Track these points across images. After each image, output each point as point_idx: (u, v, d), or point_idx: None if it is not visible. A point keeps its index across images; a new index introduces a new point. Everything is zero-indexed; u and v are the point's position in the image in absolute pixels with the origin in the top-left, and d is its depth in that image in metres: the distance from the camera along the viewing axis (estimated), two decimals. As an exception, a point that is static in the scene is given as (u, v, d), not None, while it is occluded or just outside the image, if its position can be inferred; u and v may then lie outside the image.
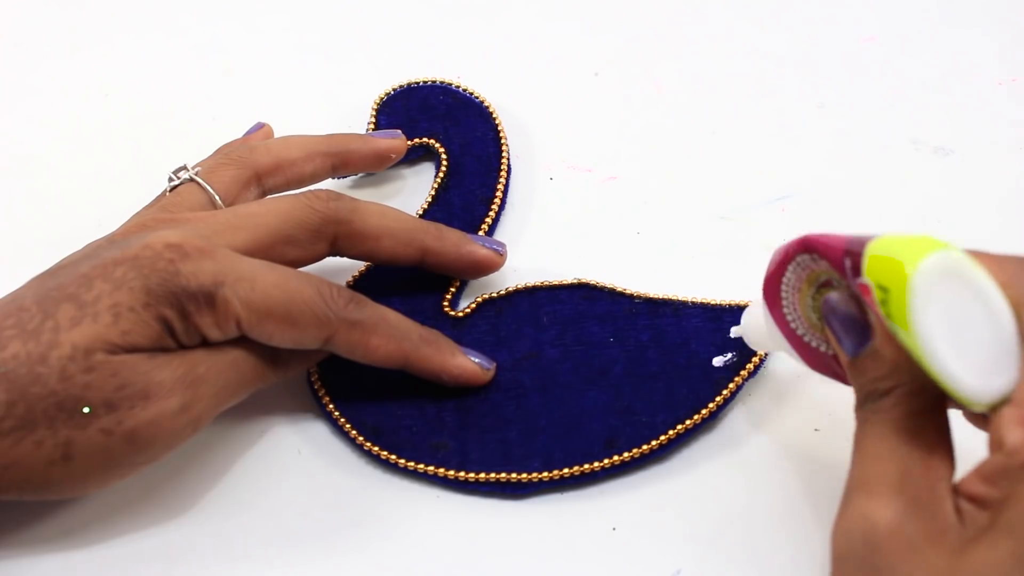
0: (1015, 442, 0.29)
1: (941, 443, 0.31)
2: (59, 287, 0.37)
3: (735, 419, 0.41)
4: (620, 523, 0.39)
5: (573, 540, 0.39)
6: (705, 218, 0.48)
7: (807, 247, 0.34)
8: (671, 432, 0.40)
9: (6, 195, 0.50)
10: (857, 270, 0.31)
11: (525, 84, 0.53)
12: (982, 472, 0.30)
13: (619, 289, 0.44)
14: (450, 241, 0.43)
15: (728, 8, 0.57)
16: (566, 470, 0.40)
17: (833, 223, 0.47)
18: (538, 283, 0.45)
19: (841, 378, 0.35)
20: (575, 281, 0.45)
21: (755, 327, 0.38)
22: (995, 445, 0.29)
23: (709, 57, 0.55)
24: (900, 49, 0.54)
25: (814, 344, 0.36)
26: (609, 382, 0.42)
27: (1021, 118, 0.51)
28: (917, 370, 0.30)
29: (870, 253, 0.31)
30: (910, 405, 0.31)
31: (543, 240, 0.48)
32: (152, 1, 0.58)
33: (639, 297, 0.44)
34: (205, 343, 0.37)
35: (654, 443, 0.40)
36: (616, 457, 0.40)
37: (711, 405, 0.41)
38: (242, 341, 0.38)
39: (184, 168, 0.43)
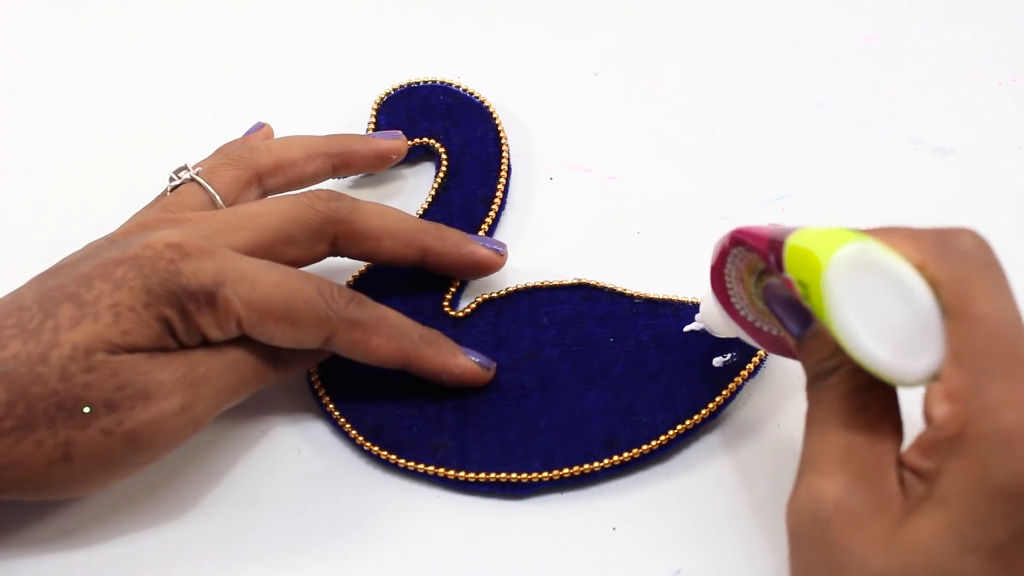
0: (941, 416, 0.29)
1: (887, 416, 0.32)
2: (59, 287, 0.37)
3: (735, 419, 0.42)
4: (620, 523, 0.39)
5: (573, 540, 0.39)
6: (705, 218, 0.48)
7: (738, 241, 0.35)
8: (671, 432, 0.40)
9: (6, 195, 0.50)
10: (780, 264, 0.32)
11: (525, 84, 0.53)
12: (919, 444, 0.31)
13: (619, 289, 0.44)
14: (450, 241, 0.43)
15: (728, 8, 0.57)
16: (566, 470, 0.40)
17: (833, 223, 0.47)
18: (538, 283, 0.45)
19: (795, 357, 0.35)
20: (575, 281, 0.45)
21: (711, 317, 0.39)
22: (927, 420, 0.30)
23: (709, 57, 0.54)
24: (900, 49, 0.54)
25: (765, 328, 0.36)
26: (609, 382, 0.42)
27: (1021, 118, 0.51)
28: None
29: (789, 247, 0.32)
30: (854, 381, 0.32)
31: (543, 240, 0.48)
32: (152, 1, 0.58)
33: (639, 297, 0.44)
34: (206, 343, 0.37)
35: (654, 443, 0.40)
36: (616, 457, 0.40)
37: (711, 405, 0.41)
38: (243, 341, 0.38)
39: (185, 168, 0.43)
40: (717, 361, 0.41)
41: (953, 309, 0.30)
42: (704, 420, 0.40)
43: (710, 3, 0.57)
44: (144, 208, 0.43)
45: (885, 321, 0.30)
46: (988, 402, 0.29)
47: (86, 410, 0.35)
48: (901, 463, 0.31)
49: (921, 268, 0.30)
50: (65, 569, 0.38)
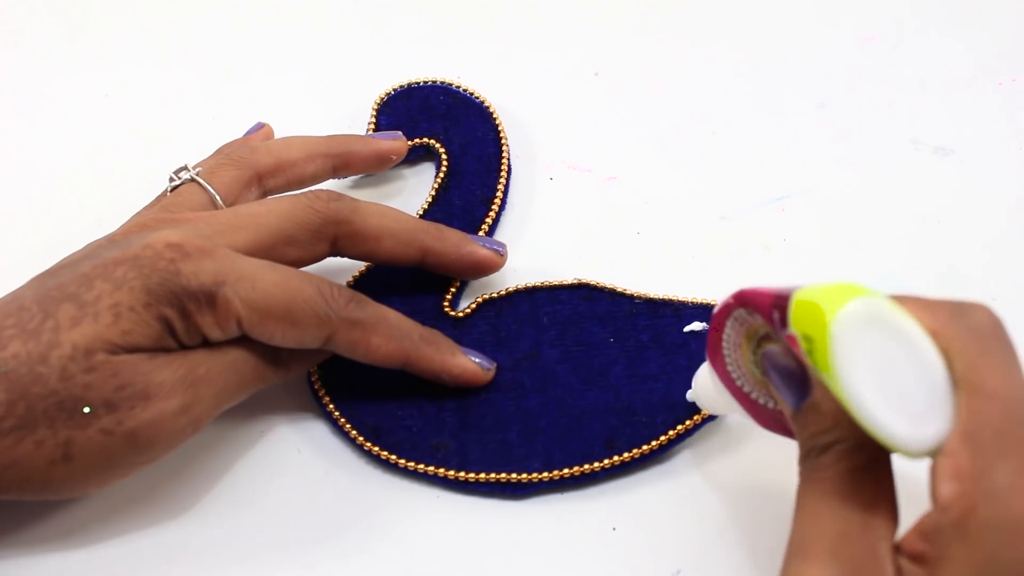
0: (947, 497, 0.28)
1: (883, 499, 0.30)
2: (59, 287, 0.37)
3: (735, 419, 0.41)
4: (620, 523, 0.39)
5: (573, 540, 0.39)
6: (705, 218, 0.48)
7: (742, 301, 0.33)
8: (671, 432, 0.40)
9: (6, 195, 0.50)
10: (784, 321, 0.31)
11: (525, 84, 0.53)
12: (921, 528, 0.29)
13: (619, 289, 0.44)
14: (450, 241, 0.43)
15: (728, 8, 0.57)
16: (566, 470, 0.40)
17: (833, 223, 0.48)
18: (538, 283, 0.45)
19: (792, 435, 0.34)
20: (575, 281, 0.45)
21: (704, 389, 0.38)
22: (933, 498, 0.29)
23: (709, 57, 0.54)
24: (900, 49, 0.54)
25: (762, 401, 0.35)
26: (609, 382, 0.42)
27: (1021, 118, 0.51)
28: (857, 425, 0.29)
29: (795, 301, 0.30)
30: (850, 461, 0.30)
31: (543, 240, 0.48)
32: (152, 2, 0.58)
33: (639, 297, 0.44)
34: (206, 343, 0.37)
35: (654, 443, 0.40)
36: (616, 457, 0.40)
37: (711, 405, 0.41)
38: (243, 342, 0.38)
39: (185, 168, 0.43)
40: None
41: (966, 381, 0.29)
42: (704, 420, 0.40)
43: (710, 3, 0.57)
44: (144, 208, 0.43)
45: (893, 383, 0.29)
46: (997, 486, 0.27)
47: (86, 410, 0.35)
48: (898, 549, 0.30)
49: (933, 335, 0.29)
50: (65, 569, 0.38)
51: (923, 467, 0.30)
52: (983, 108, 0.52)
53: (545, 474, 0.40)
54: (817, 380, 0.31)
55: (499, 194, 0.48)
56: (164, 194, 0.43)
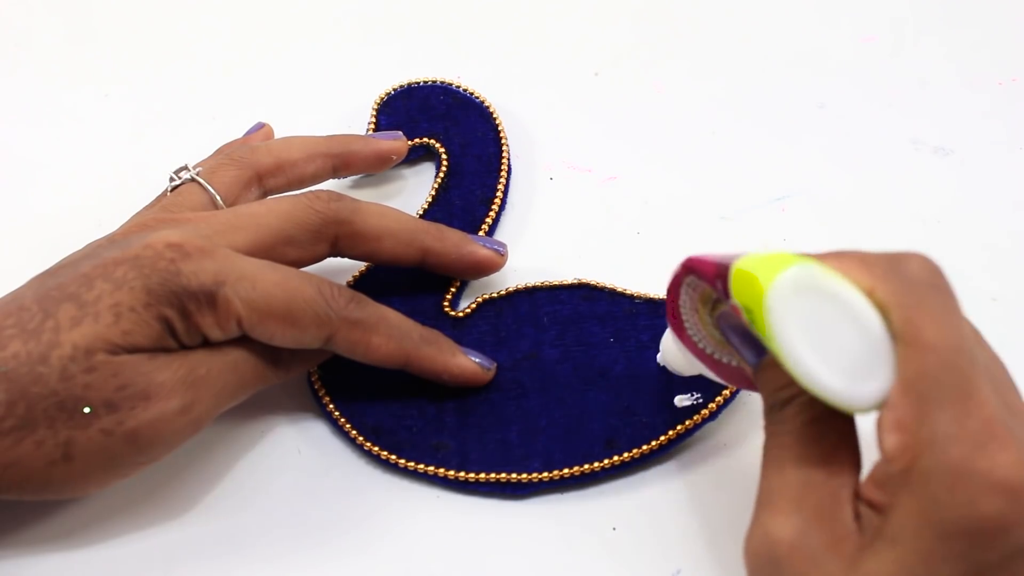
0: (892, 448, 0.29)
1: (843, 447, 0.31)
2: (59, 287, 0.37)
3: (735, 419, 0.41)
4: (620, 523, 0.39)
5: (573, 540, 0.39)
6: (705, 218, 0.48)
7: (689, 269, 0.34)
8: (671, 432, 0.40)
9: (6, 195, 0.50)
10: (727, 291, 0.31)
11: (525, 84, 0.53)
12: (873, 478, 0.30)
13: (619, 289, 0.44)
14: (450, 241, 0.43)
15: (728, 8, 0.57)
16: (566, 470, 0.40)
17: (833, 223, 0.48)
18: (538, 283, 0.45)
19: (757, 389, 0.34)
20: (575, 281, 0.45)
21: (671, 354, 0.38)
22: (880, 449, 0.29)
23: (709, 57, 0.55)
24: (900, 49, 0.54)
25: (725, 360, 0.36)
26: (609, 382, 0.42)
27: (1021, 118, 0.51)
28: None
29: (734, 272, 0.31)
30: (810, 412, 0.31)
31: (543, 240, 0.48)
32: (152, 2, 0.58)
33: (639, 297, 0.44)
34: (206, 343, 0.37)
35: (654, 443, 0.40)
36: (616, 457, 0.40)
37: (711, 405, 0.41)
38: (243, 342, 0.38)
39: (185, 168, 0.43)
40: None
41: (902, 334, 0.29)
42: (704, 420, 0.40)
43: (710, 4, 0.57)
44: (144, 208, 0.43)
45: (831, 345, 0.29)
46: (936, 435, 0.28)
47: (86, 410, 0.35)
48: (858, 495, 0.30)
49: (870, 292, 0.30)
50: (65, 569, 0.38)
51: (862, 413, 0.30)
52: (983, 108, 0.52)
53: (545, 474, 0.40)
54: None
55: (499, 194, 0.48)
56: (164, 194, 0.43)
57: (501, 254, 0.44)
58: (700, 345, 0.36)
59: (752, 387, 0.35)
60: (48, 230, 0.48)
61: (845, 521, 0.30)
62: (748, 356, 0.33)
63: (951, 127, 0.51)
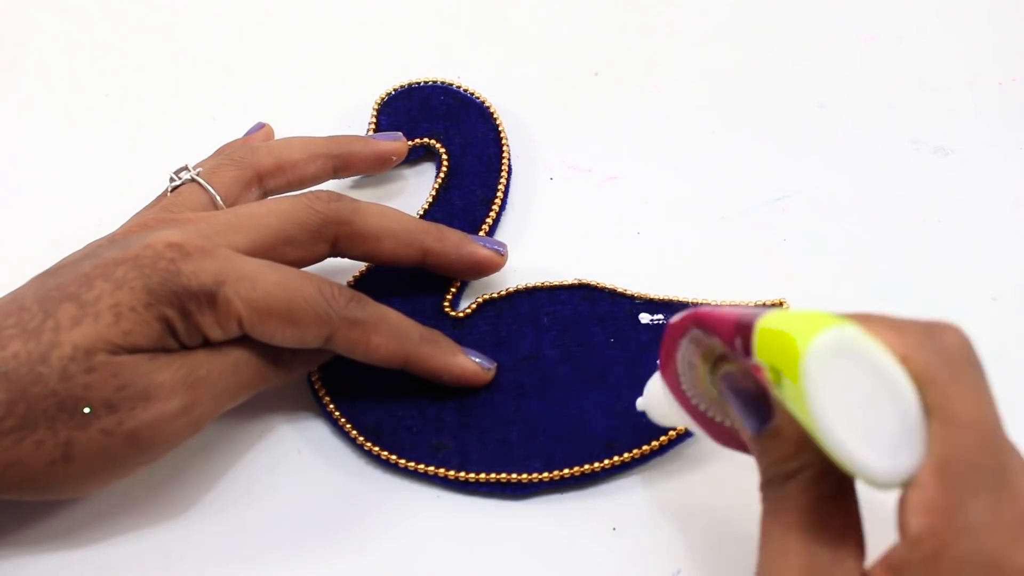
0: (917, 531, 0.27)
1: (850, 529, 0.30)
2: (60, 286, 0.37)
3: (735, 419, 0.41)
4: (620, 523, 0.39)
5: (573, 540, 0.39)
6: (705, 218, 0.48)
7: (698, 323, 0.32)
8: (671, 432, 0.40)
9: (6, 195, 0.50)
10: (748, 349, 0.29)
11: (525, 84, 0.53)
12: (888, 562, 0.28)
13: (619, 290, 0.44)
14: (451, 242, 0.43)
15: (728, 8, 0.57)
16: (566, 470, 0.40)
17: (833, 223, 0.48)
18: (538, 283, 0.45)
19: (747, 451, 0.33)
20: (575, 282, 0.45)
21: (656, 402, 0.36)
22: (901, 531, 0.28)
23: (709, 57, 0.55)
24: (900, 49, 0.54)
25: (718, 419, 0.34)
26: (609, 383, 0.42)
27: (1021, 118, 0.51)
28: (821, 451, 0.28)
29: (759, 330, 0.29)
30: (816, 490, 0.30)
31: (543, 240, 0.48)
32: (152, 1, 0.58)
33: (639, 298, 0.44)
34: (206, 344, 0.37)
35: (654, 443, 0.40)
36: (616, 457, 0.40)
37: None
38: (244, 342, 0.38)
39: (185, 168, 0.43)
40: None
41: (938, 410, 0.28)
42: (704, 420, 0.40)
43: (710, 3, 0.57)
44: (144, 208, 0.43)
45: (865, 414, 0.28)
46: (971, 522, 0.27)
47: (86, 410, 0.35)
48: None
49: (904, 361, 0.28)
50: (65, 569, 0.38)
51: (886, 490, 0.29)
52: (983, 108, 0.52)
53: (545, 474, 0.40)
54: (780, 406, 0.30)
55: (499, 194, 0.48)
56: (164, 194, 0.43)
57: (501, 254, 0.44)
58: (694, 401, 0.34)
59: (742, 449, 0.33)
60: (48, 230, 0.48)
61: None
62: (749, 423, 0.31)
63: (951, 127, 0.51)
